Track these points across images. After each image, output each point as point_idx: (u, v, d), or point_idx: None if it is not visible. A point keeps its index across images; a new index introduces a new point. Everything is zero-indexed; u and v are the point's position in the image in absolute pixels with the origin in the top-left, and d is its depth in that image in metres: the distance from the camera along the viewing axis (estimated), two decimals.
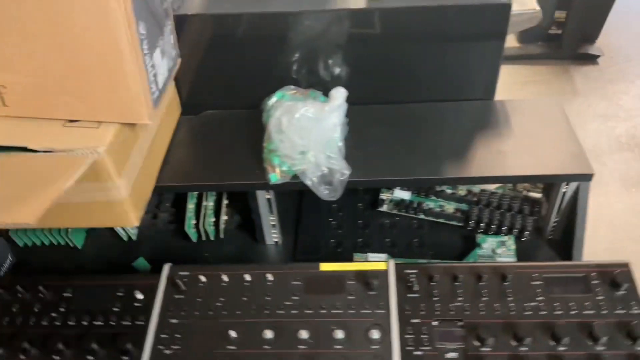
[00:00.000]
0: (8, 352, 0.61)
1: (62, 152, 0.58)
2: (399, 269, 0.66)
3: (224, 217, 0.80)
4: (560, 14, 2.14)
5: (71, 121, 0.61)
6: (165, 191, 0.73)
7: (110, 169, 0.60)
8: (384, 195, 0.83)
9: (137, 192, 0.65)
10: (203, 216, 0.79)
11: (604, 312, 0.60)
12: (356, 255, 0.77)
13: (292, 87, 0.76)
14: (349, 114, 0.77)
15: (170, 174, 0.73)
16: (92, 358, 0.60)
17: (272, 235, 0.80)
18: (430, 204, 0.82)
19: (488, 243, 0.76)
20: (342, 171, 0.69)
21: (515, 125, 0.77)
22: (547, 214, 0.76)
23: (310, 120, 0.69)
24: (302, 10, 0.72)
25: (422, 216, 0.81)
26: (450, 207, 0.81)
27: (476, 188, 0.82)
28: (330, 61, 0.77)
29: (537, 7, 1.00)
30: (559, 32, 2.20)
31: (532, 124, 0.76)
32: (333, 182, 0.70)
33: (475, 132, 0.76)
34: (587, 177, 0.69)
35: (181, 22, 0.72)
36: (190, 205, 0.81)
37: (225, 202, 0.81)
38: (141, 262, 0.78)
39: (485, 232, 0.78)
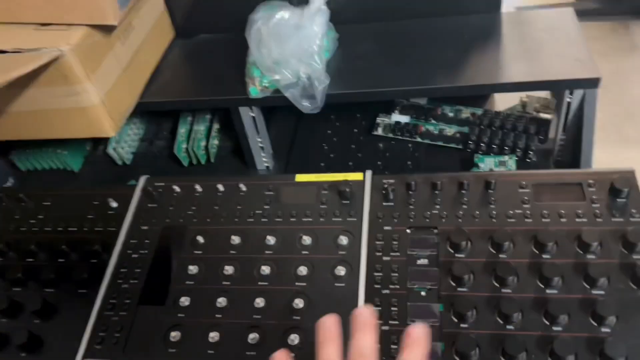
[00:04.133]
0: None
1: (28, 52, 0.58)
2: (376, 179, 0.62)
3: (214, 142, 0.79)
4: None
5: (43, 25, 0.61)
6: (147, 107, 0.72)
7: (77, 70, 0.60)
8: (380, 119, 0.79)
9: (112, 102, 0.65)
10: (193, 140, 0.78)
11: (599, 220, 0.54)
12: None
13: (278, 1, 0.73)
14: (341, 32, 0.73)
15: (155, 92, 0.73)
16: (63, 260, 0.61)
17: (263, 159, 0.78)
18: (430, 127, 0.77)
19: (486, 163, 0.70)
20: (321, 79, 0.65)
21: (519, 36, 0.70)
22: (555, 134, 0.70)
23: (289, 27, 0.66)
24: None
25: (419, 139, 0.76)
26: (450, 130, 0.76)
27: (479, 110, 0.76)
28: None
29: None
30: None
31: (538, 34, 0.70)
32: (315, 95, 0.67)
33: (474, 45, 0.70)
34: (593, 83, 0.62)
35: None
36: (182, 129, 0.80)
37: (216, 126, 0.80)
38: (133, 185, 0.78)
39: (486, 153, 0.72)
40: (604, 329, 0.47)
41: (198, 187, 0.64)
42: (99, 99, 0.63)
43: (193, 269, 0.57)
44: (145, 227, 0.62)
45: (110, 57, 0.65)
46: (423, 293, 0.52)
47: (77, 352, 0.54)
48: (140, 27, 0.72)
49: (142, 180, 0.66)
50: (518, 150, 0.70)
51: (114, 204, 0.64)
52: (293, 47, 0.66)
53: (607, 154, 1.60)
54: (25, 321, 0.57)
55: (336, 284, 0.54)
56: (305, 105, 0.67)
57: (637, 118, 1.70)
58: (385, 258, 0.55)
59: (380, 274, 0.54)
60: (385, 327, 0.51)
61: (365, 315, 0.40)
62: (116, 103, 0.66)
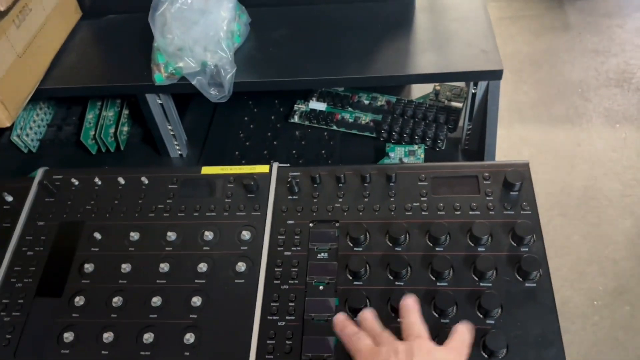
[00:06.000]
0: None
1: None
2: (282, 172, 0.61)
3: (124, 128, 0.76)
4: None
5: None
6: (48, 94, 0.69)
7: None
8: (297, 106, 0.78)
9: (6, 90, 0.62)
10: (101, 126, 0.75)
11: (491, 212, 0.55)
12: None
13: None
14: (254, 16, 0.71)
15: (58, 77, 0.69)
16: None
17: (175, 147, 0.76)
18: (346, 115, 0.76)
19: (396, 152, 0.70)
20: (226, 67, 0.63)
21: (430, 25, 0.70)
22: (463, 123, 0.71)
23: (194, 12, 0.64)
24: None
25: (334, 127, 0.76)
26: (366, 118, 0.76)
27: (393, 98, 0.77)
28: None
29: None
30: None
31: (450, 23, 0.70)
32: (223, 83, 0.65)
33: (386, 33, 0.70)
34: (496, 75, 0.63)
35: None
36: (90, 115, 0.77)
37: (126, 112, 0.77)
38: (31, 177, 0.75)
39: (398, 142, 0.73)
40: (488, 321, 0.49)
41: (97, 180, 0.62)
42: None
43: (89, 267, 0.55)
44: (41, 223, 0.60)
45: (2, 43, 0.61)
46: (321, 287, 0.53)
47: None
48: (39, 9, 0.68)
49: (40, 172, 0.64)
50: (428, 139, 0.71)
51: (9, 198, 0.62)
52: (198, 34, 0.64)
53: (535, 132, 1.66)
54: None
55: (236, 280, 0.54)
56: (212, 94, 0.65)
57: (567, 97, 1.76)
58: (286, 253, 0.55)
59: (281, 269, 0.54)
60: (282, 323, 0.51)
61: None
62: (11, 91, 0.62)
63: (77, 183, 0.62)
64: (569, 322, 1.20)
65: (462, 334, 0.45)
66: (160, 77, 0.66)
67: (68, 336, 0.51)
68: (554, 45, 1.94)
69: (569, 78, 1.82)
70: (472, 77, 0.64)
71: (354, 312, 0.50)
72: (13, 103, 0.63)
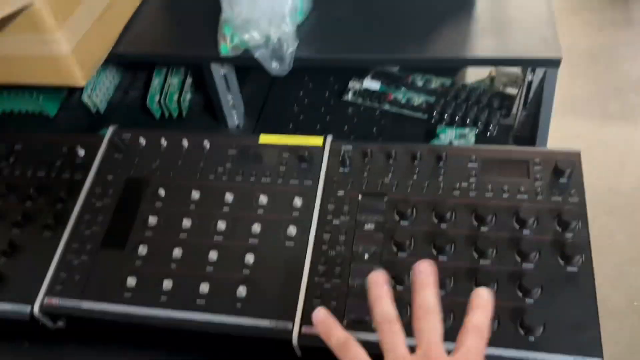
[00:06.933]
0: None
1: None
2: (335, 145, 0.64)
3: (187, 96, 0.80)
4: None
5: None
6: (120, 58, 0.73)
7: (47, 19, 0.60)
8: (351, 85, 0.80)
9: (83, 51, 0.66)
10: (166, 93, 0.79)
11: (539, 197, 0.56)
12: None
13: None
14: None
15: (129, 43, 0.73)
16: (30, 203, 0.63)
17: (234, 116, 0.79)
18: (399, 95, 0.78)
19: (447, 134, 0.72)
20: (290, 42, 0.66)
21: (492, 11, 0.70)
22: (517, 110, 0.71)
23: None
24: None
25: (387, 107, 0.78)
26: (418, 99, 0.77)
27: (448, 81, 0.78)
28: None
29: None
30: None
31: (511, 10, 0.70)
32: (284, 57, 0.68)
33: (447, 16, 0.70)
34: (555, 63, 0.63)
35: None
36: (156, 81, 0.81)
37: (189, 80, 0.81)
38: (105, 133, 0.80)
39: (449, 124, 0.74)
40: (528, 300, 0.51)
41: (163, 141, 0.66)
42: (69, 49, 0.63)
43: (152, 220, 0.60)
44: (110, 177, 0.64)
45: (82, 6, 0.65)
46: (366, 256, 0.55)
47: (39, 290, 0.57)
48: None
49: (110, 130, 0.68)
50: (480, 123, 0.72)
51: (82, 152, 0.66)
52: (264, 7, 0.66)
53: (586, 127, 1.63)
54: None
55: (287, 243, 0.57)
56: (273, 68, 0.68)
57: (624, 94, 1.71)
58: (335, 221, 0.58)
59: (329, 235, 0.57)
60: (327, 285, 0.54)
61: (426, 273, 0.41)
62: (87, 53, 0.67)
63: (144, 142, 0.66)
64: (606, 320, 1.18)
65: (484, 309, 0.41)
66: (225, 48, 0.69)
67: (131, 281, 0.56)
68: (614, 40, 1.89)
69: (627, 75, 1.77)
70: (530, 63, 0.64)
71: (396, 281, 0.53)
72: (88, 64, 0.68)
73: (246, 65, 0.71)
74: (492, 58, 0.65)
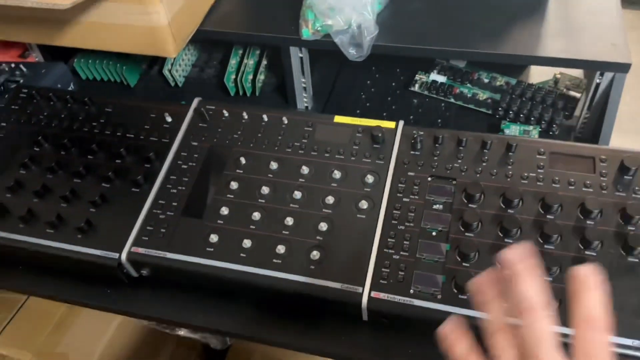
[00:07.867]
0: (52, 147, 0.70)
1: None
2: (407, 129, 0.67)
3: (261, 77, 0.85)
4: None
5: None
6: (205, 35, 0.77)
7: None
8: (418, 76, 0.84)
9: (177, 25, 0.71)
10: (242, 73, 0.84)
11: (604, 192, 0.59)
12: None
13: None
14: None
15: (214, 21, 0.78)
16: (120, 161, 0.68)
17: (303, 99, 0.84)
18: (464, 89, 0.81)
19: (511, 130, 0.75)
20: (370, 29, 0.70)
21: (563, 14, 0.73)
22: (580, 112, 0.74)
23: None
24: None
25: (452, 100, 0.81)
26: (484, 95, 0.81)
27: (513, 80, 0.81)
28: None
29: None
30: None
31: (582, 15, 0.73)
32: (362, 44, 0.72)
33: (518, 15, 0.74)
34: (624, 68, 0.66)
35: None
36: (233, 61, 0.86)
37: (264, 62, 0.86)
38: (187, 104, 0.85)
39: (513, 121, 0.77)
40: None
41: (245, 115, 0.70)
42: (167, 21, 0.68)
43: (234, 184, 0.64)
44: (195, 143, 0.69)
45: None
46: (434, 233, 0.59)
47: (126, 240, 0.62)
48: None
49: (196, 101, 0.73)
50: (543, 122, 0.75)
51: (169, 119, 0.71)
52: None
53: (629, 145, 1.62)
54: (83, 209, 0.65)
55: (358, 215, 0.61)
56: (351, 53, 0.72)
57: None
58: (405, 199, 0.61)
59: (399, 212, 0.61)
60: (396, 256, 0.58)
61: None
62: (180, 27, 0.72)
63: (227, 114, 0.71)
64: None
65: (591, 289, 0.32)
66: (307, 32, 0.73)
67: (213, 237, 0.61)
68: None
69: None
70: (600, 66, 0.67)
71: (462, 258, 0.56)
72: (180, 37, 0.73)
73: (324, 50, 0.75)
74: (563, 59, 0.67)
